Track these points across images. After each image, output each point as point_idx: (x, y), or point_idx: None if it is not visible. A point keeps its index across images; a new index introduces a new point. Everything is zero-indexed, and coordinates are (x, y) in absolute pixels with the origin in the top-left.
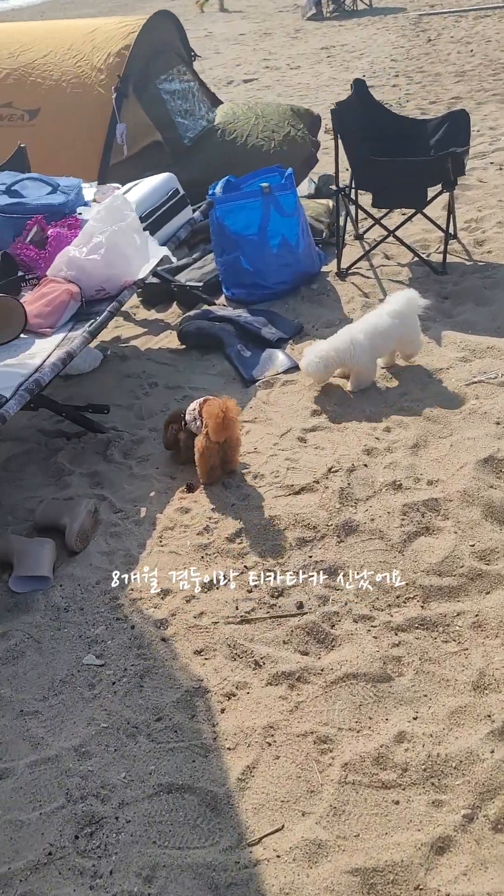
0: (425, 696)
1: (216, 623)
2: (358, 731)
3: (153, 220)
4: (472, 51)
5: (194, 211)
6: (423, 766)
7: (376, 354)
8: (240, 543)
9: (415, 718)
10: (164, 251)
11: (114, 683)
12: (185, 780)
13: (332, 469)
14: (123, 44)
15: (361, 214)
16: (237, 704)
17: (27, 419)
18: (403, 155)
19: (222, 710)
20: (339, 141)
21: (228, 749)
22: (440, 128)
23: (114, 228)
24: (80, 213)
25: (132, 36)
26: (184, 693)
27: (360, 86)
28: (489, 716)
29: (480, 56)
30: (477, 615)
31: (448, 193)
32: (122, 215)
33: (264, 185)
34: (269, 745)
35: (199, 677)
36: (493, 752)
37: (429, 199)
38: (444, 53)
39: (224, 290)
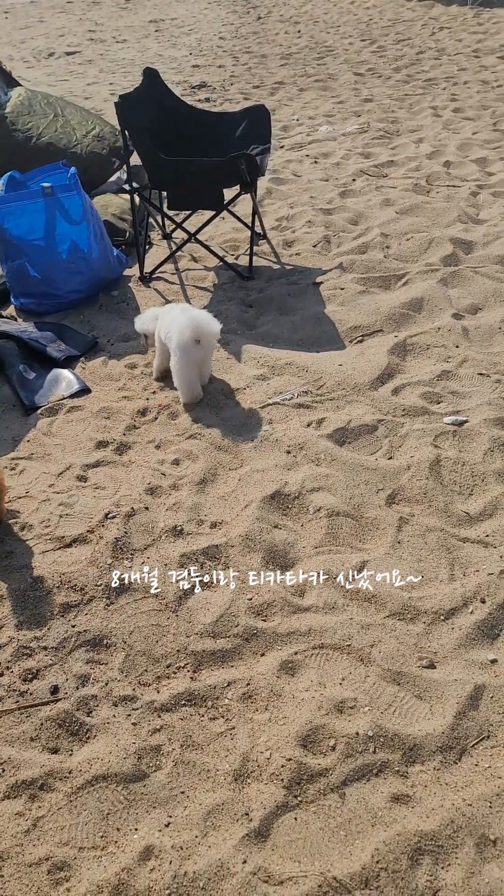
0: (182, 793)
1: None
2: (102, 849)
3: None
4: (299, 32)
5: None
6: (167, 892)
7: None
8: None
9: (167, 825)
10: None
11: None
12: None
13: (110, 515)
14: None
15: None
16: None
17: None
18: (205, 152)
19: None
20: (127, 137)
21: None
22: (241, 123)
23: None
24: None
25: None
26: None
27: (151, 75)
28: (247, 813)
29: (307, 38)
30: (248, 684)
31: (250, 194)
32: None
33: (46, 185)
34: None
35: None
36: (245, 861)
37: (229, 199)
38: (272, 33)
39: (12, 300)
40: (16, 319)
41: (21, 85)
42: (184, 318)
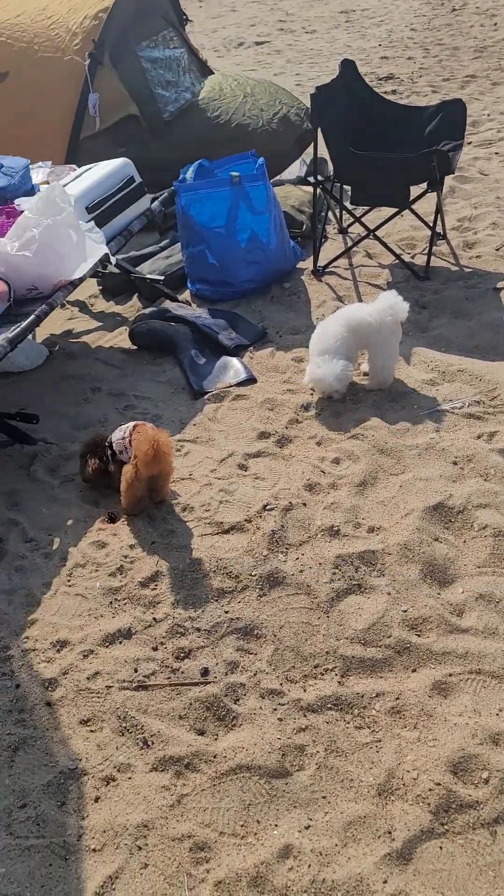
0: (324, 797)
1: (110, 687)
2: (242, 838)
3: (103, 210)
4: (495, 24)
5: (153, 201)
6: (304, 895)
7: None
8: (153, 589)
9: (307, 828)
10: (105, 250)
11: None
12: (34, 893)
13: (268, 506)
14: (102, 6)
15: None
16: (114, 792)
17: None
18: (394, 146)
19: (96, 799)
20: (319, 128)
21: (93, 851)
22: (434, 117)
23: (48, 223)
24: (18, 205)
25: None
26: (57, 774)
27: (348, 67)
28: (389, 832)
29: None
30: (397, 698)
31: (436, 192)
32: (57, 208)
33: (234, 174)
34: (140, 848)
35: (78, 755)
36: (385, 882)
37: (414, 196)
38: (466, 25)
39: (188, 285)
40: (190, 304)
41: (214, 73)
42: (383, 302)
